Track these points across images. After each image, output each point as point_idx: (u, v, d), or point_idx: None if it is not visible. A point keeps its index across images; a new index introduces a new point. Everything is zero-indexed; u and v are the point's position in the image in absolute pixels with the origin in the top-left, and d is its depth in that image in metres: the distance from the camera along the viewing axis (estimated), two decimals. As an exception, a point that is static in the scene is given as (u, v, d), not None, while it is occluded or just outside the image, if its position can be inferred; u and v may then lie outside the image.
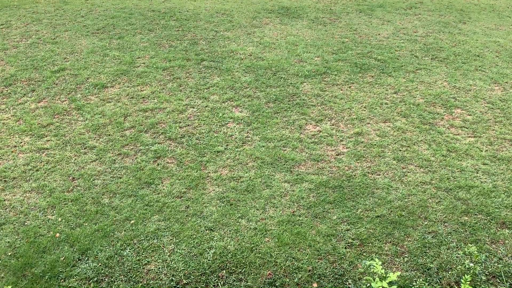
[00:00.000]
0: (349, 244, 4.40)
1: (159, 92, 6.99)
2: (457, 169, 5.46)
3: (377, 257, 4.23)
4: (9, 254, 4.24)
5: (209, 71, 7.67)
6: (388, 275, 2.79)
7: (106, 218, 4.66)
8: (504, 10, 11.54)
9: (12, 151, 5.65)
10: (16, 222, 4.61)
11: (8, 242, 4.37)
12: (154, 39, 8.91)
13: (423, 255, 4.31)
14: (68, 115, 6.40)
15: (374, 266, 2.86)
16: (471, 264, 3.75)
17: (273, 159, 5.57)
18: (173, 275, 4.07)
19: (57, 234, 4.46)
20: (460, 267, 3.94)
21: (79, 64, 7.80)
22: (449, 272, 4.12)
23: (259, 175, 5.29)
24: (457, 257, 4.27)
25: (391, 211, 4.81)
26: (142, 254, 4.27)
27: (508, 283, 4.01)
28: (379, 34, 9.47)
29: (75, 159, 5.53)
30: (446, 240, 4.47)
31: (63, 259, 4.20)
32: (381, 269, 2.83)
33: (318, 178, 5.25)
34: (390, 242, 4.44)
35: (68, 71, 7.57)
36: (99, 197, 4.95)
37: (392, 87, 7.28)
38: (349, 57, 8.31)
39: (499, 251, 4.37)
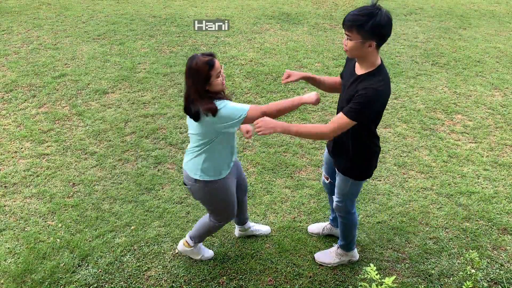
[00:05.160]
0: (350, 250, 4.38)
1: (160, 98, 7.00)
2: (458, 175, 5.45)
3: (378, 263, 4.22)
4: (9, 260, 4.23)
5: (210, 76, 7.67)
6: (383, 280, 2.76)
7: (106, 224, 4.65)
8: (504, 16, 11.56)
9: (12, 157, 5.65)
10: (16, 228, 4.60)
11: (8, 248, 4.36)
12: (155, 45, 8.94)
13: (424, 261, 4.29)
14: (68, 121, 6.41)
15: (368, 272, 2.83)
16: (473, 271, 3.73)
17: (274, 164, 5.56)
18: (173, 281, 4.05)
19: (57, 240, 4.44)
20: (462, 273, 3.92)
21: (80, 70, 7.81)
22: (451, 279, 4.10)
23: (259, 181, 5.28)
24: (458, 263, 4.25)
25: (392, 217, 4.80)
26: (143, 260, 4.25)
27: (509, 290, 3.99)
28: (379, 40, 9.48)
29: (76, 164, 5.53)
30: (447, 246, 4.46)
31: (63, 265, 4.19)
32: (376, 274, 2.80)
33: (318, 184, 5.24)
34: (391, 248, 4.43)
35: (69, 77, 7.58)
36: (99, 203, 4.94)
37: (393, 93, 7.28)
38: (350, 62, 8.31)
39: (500, 257, 4.35)
